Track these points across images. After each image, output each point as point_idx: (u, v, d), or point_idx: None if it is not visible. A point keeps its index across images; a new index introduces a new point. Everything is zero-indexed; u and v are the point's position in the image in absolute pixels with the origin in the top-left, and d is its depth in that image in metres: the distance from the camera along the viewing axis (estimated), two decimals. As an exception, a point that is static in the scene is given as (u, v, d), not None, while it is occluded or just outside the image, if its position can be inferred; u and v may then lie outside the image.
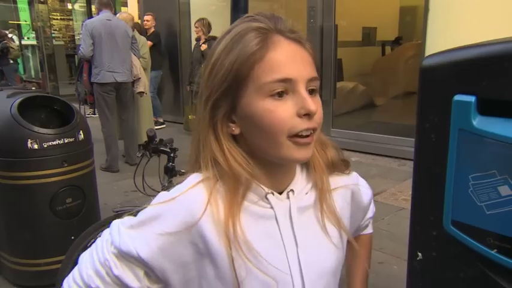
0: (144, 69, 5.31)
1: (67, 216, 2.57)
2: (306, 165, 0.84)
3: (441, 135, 0.92)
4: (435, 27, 4.53)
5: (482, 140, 0.83)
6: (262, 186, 0.77)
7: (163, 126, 7.07)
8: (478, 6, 4.29)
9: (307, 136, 0.72)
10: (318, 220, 0.82)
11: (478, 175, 0.85)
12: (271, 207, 0.77)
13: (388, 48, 8.83)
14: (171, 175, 2.01)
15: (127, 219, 0.78)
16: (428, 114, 0.96)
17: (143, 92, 4.89)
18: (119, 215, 2.08)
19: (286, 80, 0.70)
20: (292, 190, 0.80)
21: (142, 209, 0.78)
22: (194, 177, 0.78)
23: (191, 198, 0.74)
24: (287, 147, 0.72)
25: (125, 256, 0.75)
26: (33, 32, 11.69)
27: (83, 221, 2.58)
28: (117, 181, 4.37)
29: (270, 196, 0.77)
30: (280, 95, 0.70)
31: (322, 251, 0.82)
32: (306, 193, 0.82)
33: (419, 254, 1.03)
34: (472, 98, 0.85)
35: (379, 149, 5.25)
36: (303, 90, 0.71)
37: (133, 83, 4.87)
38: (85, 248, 2.09)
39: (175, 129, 7.03)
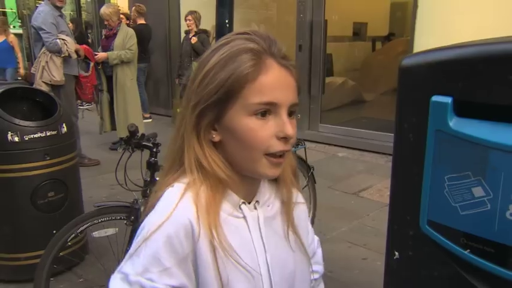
0: (130, 61, 5.21)
1: (49, 210, 2.55)
2: None
3: (419, 136, 0.92)
4: (423, 24, 4.56)
5: (458, 142, 0.83)
6: (237, 196, 0.84)
7: (150, 120, 7.01)
8: (465, 4, 4.32)
9: (280, 156, 0.79)
10: (281, 229, 0.89)
11: (454, 176, 0.86)
12: (244, 217, 0.84)
13: (378, 44, 8.86)
14: (154, 170, 1.99)
15: (133, 268, 0.76)
16: (406, 115, 0.96)
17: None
18: (100, 209, 2.06)
19: (271, 104, 0.76)
20: (257, 201, 0.87)
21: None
22: (177, 189, 0.80)
23: (184, 217, 0.76)
24: (262, 164, 0.78)
25: None
26: (19, 21, 11.46)
27: (65, 214, 2.55)
28: (103, 174, 4.33)
29: (243, 206, 0.84)
30: (263, 114, 0.76)
31: (284, 257, 0.88)
32: (268, 205, 0.89)
33: (396, 253, 1.03)
34: (448, 99, 0.85)
35: (367, 145, 5.28)
36: (284, 115, 0.77)
37: None
38: (65, 242, 2.07)
39: (163, 122, 6.98)
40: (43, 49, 4.42)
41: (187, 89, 0.81)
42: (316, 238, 1.08)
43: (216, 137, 0.80)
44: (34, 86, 4.34)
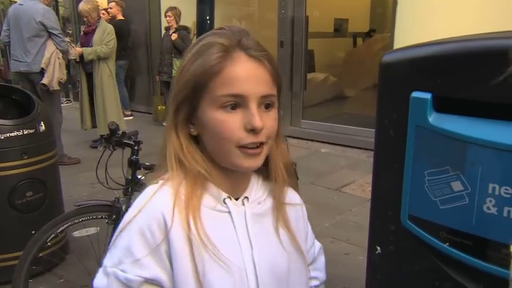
0: (107, 57, 5.11)
1: (27, 210, 2.50)
2: (263, 174, 0.89)
3: (399, 132, 0.93)
4: (403, 21, 4.60)
5: (437, 137, 0.85)
6: (221, 191, 0.83)
7: (131, 118, 6.92)
8: (445, 0, 4.38)
9: (254, 147, 0.78)
10: (272, 227, 0.88)
11: (433, 171, 0.87)
12: (229, 212, 0.83)
13: (359, 40, 8.94)
14: (135, 168, 1.97)
15: (110, 260, 0.79)
16: (387, 111, 0.96)
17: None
18: (81, 208, 2.03)
19: (238, 96, 0.76)
20: (246, 197, 0.86)
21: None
22: (156, 184, 0.82)
23: (156, 210, 0.78)
24: (236, 156, 0.78)
25: None
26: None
27: (44, 214, 2.50)
28: (83, 172, 4.26)
29: (227, 200, 0.83)
30: (233, 107, 0.76)
31: (274, 255, 0.87)
32: (259, 203, 0.88)
33: (378, 247, 1.04)
34: (428, 95, 0.86)
35: (349, 141, 5.32)
36: (253, 107, 0.76)
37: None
38: (44, 243, 2.03)
39: (144, 119, 6.90)
40: (53, 48, 4.39)
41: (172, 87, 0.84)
42: (318, 245, 1.06)
43: (194, 131, 0.82)
44: (42, 82, 4.36)
